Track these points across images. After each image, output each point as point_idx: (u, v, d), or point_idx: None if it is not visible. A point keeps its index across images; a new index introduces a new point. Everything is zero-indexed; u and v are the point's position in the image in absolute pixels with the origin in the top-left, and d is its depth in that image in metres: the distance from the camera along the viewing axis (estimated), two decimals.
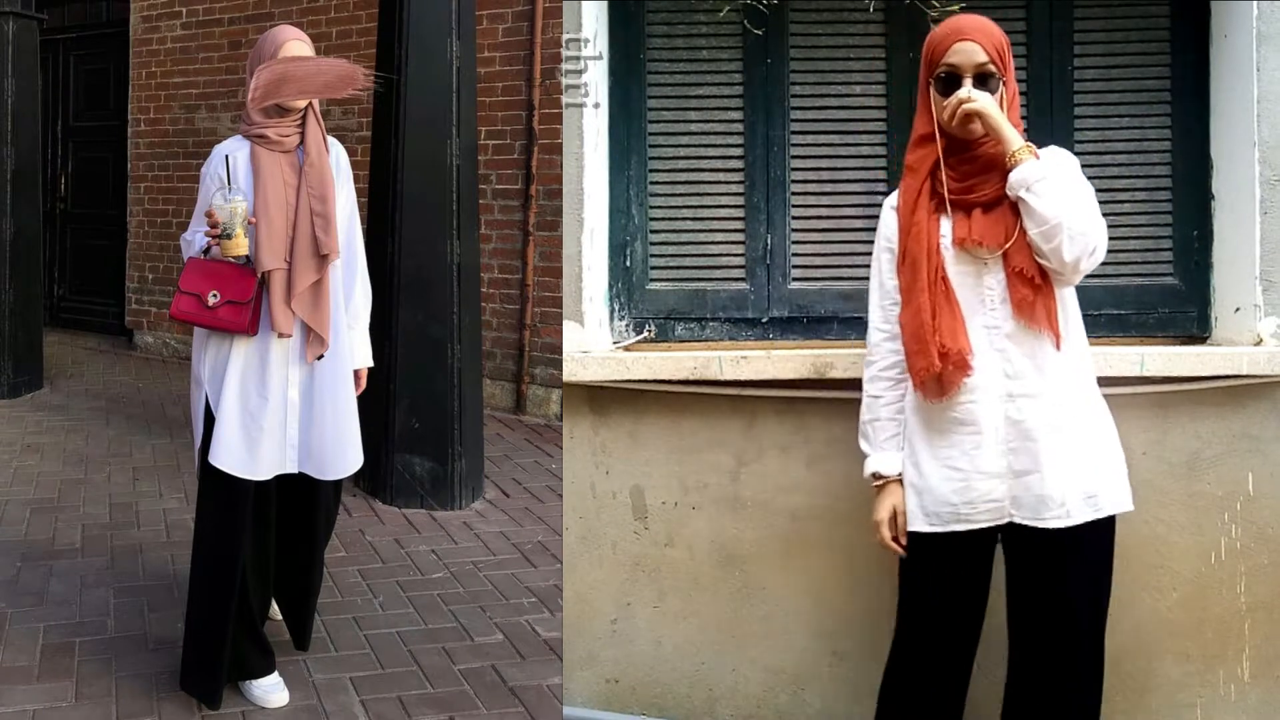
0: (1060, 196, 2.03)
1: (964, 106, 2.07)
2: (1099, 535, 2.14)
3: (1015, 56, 2.76)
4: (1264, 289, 2.57)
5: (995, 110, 2.07)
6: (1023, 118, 2.77)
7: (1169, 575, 2.57)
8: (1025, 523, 2.11)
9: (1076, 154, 2.75)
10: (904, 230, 2.18)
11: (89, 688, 2.64)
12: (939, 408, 2.14)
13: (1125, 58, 2.79)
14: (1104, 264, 2.76)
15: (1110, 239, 2.76)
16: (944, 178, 2.12)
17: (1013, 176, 2.06)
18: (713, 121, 2.86)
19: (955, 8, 2.66)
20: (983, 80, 2.09)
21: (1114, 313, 2.79)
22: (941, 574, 2.19)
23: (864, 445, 2.30)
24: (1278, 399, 2.55)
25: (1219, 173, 2.72)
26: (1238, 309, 2.65)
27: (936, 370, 2.08)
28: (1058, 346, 2.09)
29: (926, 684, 2.21)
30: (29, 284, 5.79)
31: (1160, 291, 2.79)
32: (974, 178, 2.12)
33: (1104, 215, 2.75)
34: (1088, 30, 2.79)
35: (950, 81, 2.11)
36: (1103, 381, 2.51)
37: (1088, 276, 2.76)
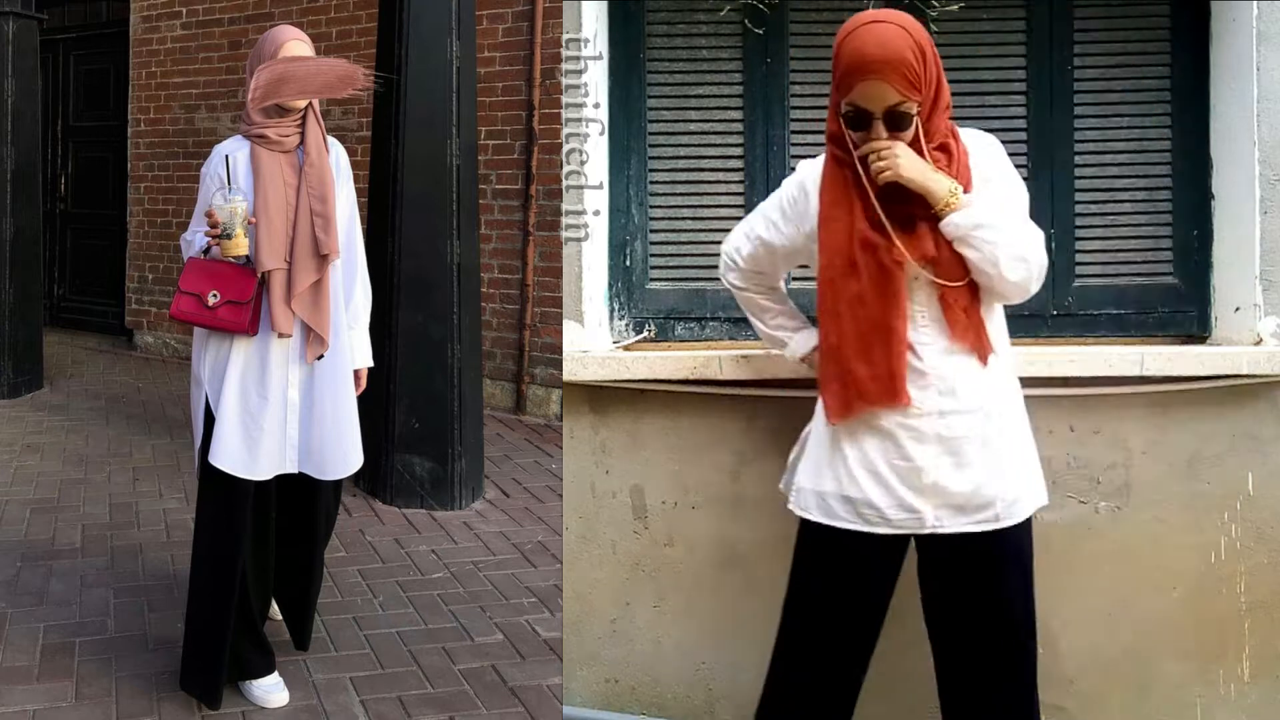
0: (997, 241, 1.95)
1: (880, 177, 1.95)
2: (1021, 535, 2.10)
3: (1014, 57, 2.79)
4: (1264, 289, 2.58)
5: (913, 170, 1.94)
6: (1022, 117, 2.78)
7: (1169, 575, 2.57)
8: (948, 531, 2.07)
9: (1076, 154, 2.79)
10: (827, 222, 2.07)
11: (89, 688, 2.64)
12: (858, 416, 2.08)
13: (1125, 58, 2.79)
14: (1104, 264, 2.80)
15: (1110, 239, 2.80)
16: (870, 194, 2.00)
17: (944, 227, 1.97)
18: (713, 121, 2.86)
19: (954, 7, 2.67)
20: (895, 119, 1.94)
21: (1114, 312, 2.79)
22: (842, 571, 2.13)
23: (777, 334, 2.36)
24: (1278, 399, 2.55)
25: (1219, 172, 2.72)
26: (1238, 309, 2.65)
27: (852, 412, 2.05)
28: (984, 363, 2.05)
29: (813, 684, 2.17)
30: (29, 284, 5.79)
31: (1160, 291, 2.79)
32: (906, 198, 1.99)
33: (1104, 215, 2.79)
34: (1088, 30, 2.79)
35: (859, 120, 1.96)
36: (1103, 381, 2.53)
37: (1087, 276, 2.79)
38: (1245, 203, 2.60)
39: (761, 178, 2.83)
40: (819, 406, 2.18)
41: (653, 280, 2.88)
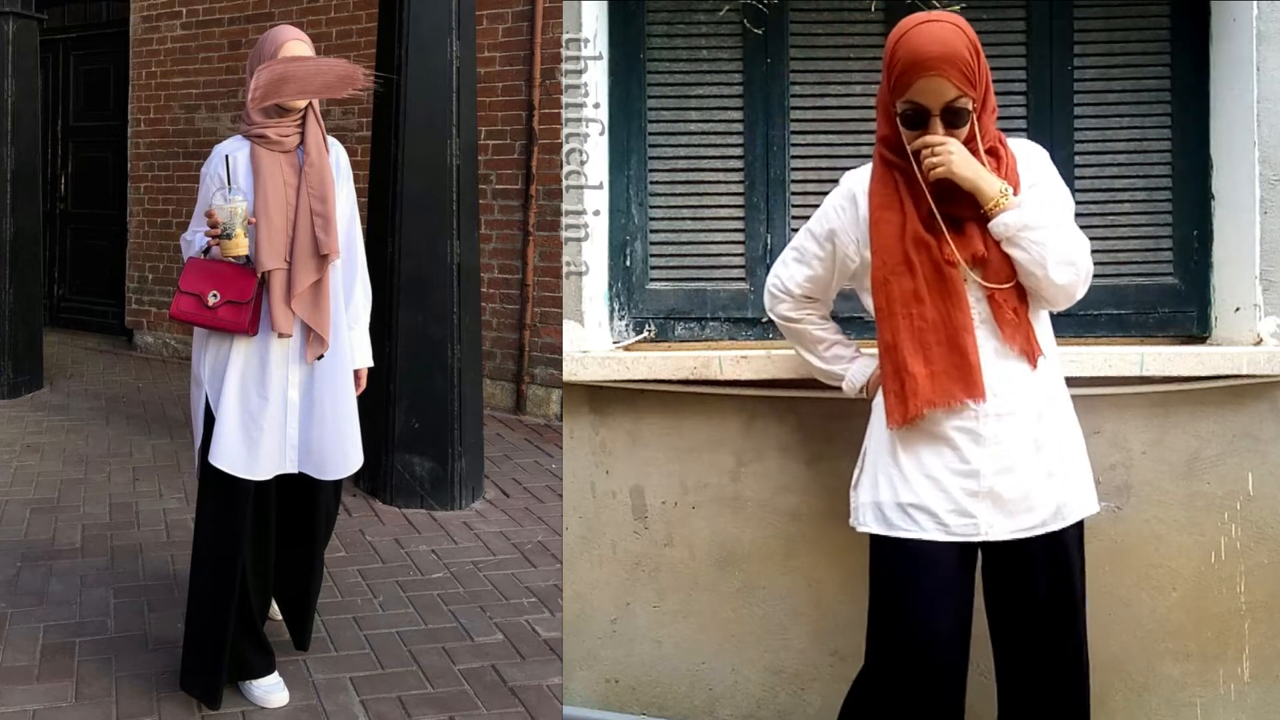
0: (1045, 243, 1.96)
1: (933, 173, 1.96)
2: (1069, 539, 2.10)
3: (1014, 57, 2.79)
4: (1264, 288, 2.57)
5: (966, 167, 1.95)
6: (1022, 117, 2.78)
7: (1169, 575, 2.57)
8: (1001, 538, 2.06)
9: (1076, 154, 2.79)
10: (877, 224, 2.06)
11: (89, 688, 2.64)
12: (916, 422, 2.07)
13: (1125, 57, 2.79)
14: (1104, 264, 2.79)
15: (1110, 239, 2.80)
16: (924, 191, 2.01)
17: (993, 227, 1.98)
18: (712, 121, 2.86)
19: (956, 8, 2.66)
20: (953, 115, 1.96)
21: (1114, 312, 2.79)
22: (911, 580, 2.10)
23: (834, 367, 2.32)
24: (1278, 399, 2.55)
25: (1219, 172, 2.72)
26: (1238, 309, 2.65)
27: (920, 414, 2.04)
28: (1034, 366, 2.05)
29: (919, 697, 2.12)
30: (29, 284, 5.79)
31: (1160, 291, 2.79)
32: (956, 198, 2.00)
33: (1104, 215, 2.79)
34: (1088, 30, 2.79)
35: (916, 119, 1.98)
36: (1103, 381, 2.52)
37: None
38: (1245, 202, 2.60)
39: (761, 178, 2.83)
40: (874, 419, 2.18)
41: (653, 280, 2.88)
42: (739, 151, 2.85)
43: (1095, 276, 2.76)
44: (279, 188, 2.44)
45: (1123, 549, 2.57)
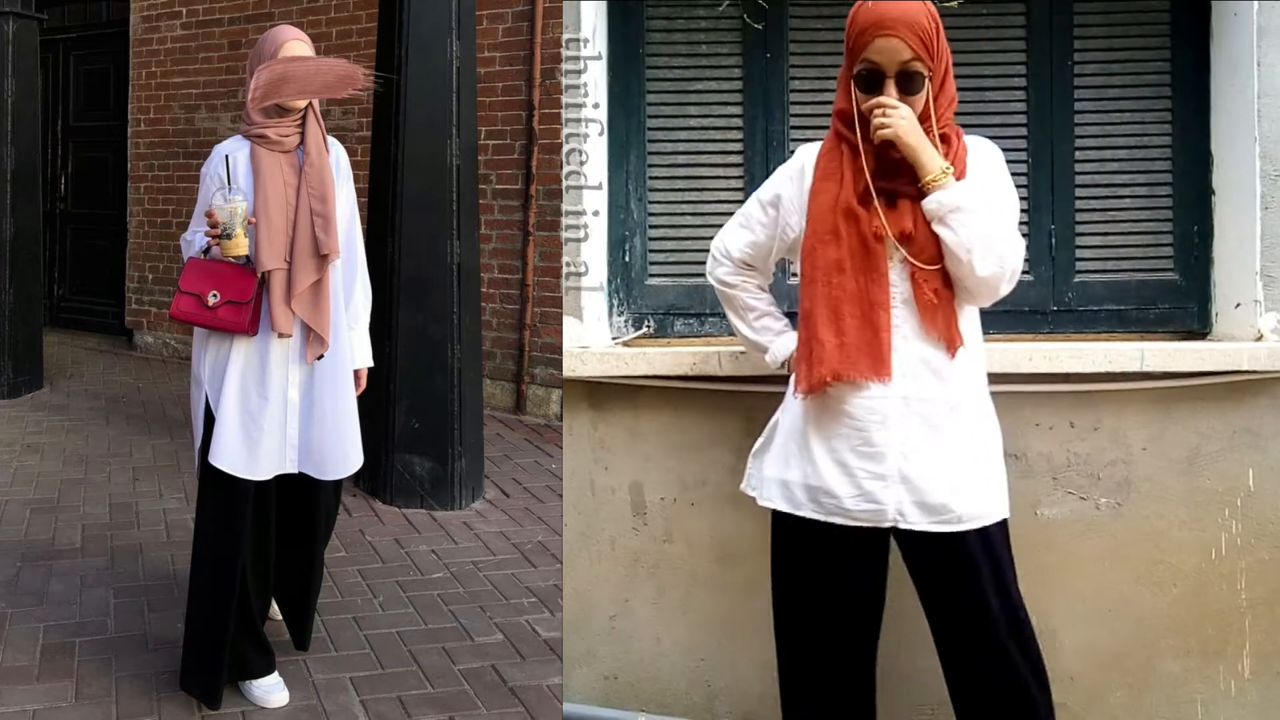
0: (974, 228, 1.95)
1: (879, 133, 1.97)
2: (989, 538, 2.07)
3: (1015, 53, 2.78)
4: (1264, 284, 2.57)
5: (911, 135, 1.96)
6: (1022, 113, 2.78)
7: (1169, 571, 2.57)
8: (911, 528, 2.06)
9: (1076, 149, 2.78)
10: (816, 195, 2.08)
11: (89, 688, 2.63)
12: (826, 398, 2.08)
13: (1125, 53, 2.78)
14: (1104, 259, 2.79)
15: (1110, 234, 2.80)
16: (864, 166, 2.02)
17: (927, 203, 1.98)
18: (712, 117, 2.86)
19: (954, 4, 2.66)
20: (907, 79, 1.98)
21: (1114, 308, 2.79)
22: (816, 562, 2.13)
23: (760, 338, 2.32)
24: (1278, 394, 2.54)
25: (1219, 168, 2.72)
26: (1238, 304, 2.65)
27: (824, 383, 2.04)
28: (952, 354, 2.04)
29: (823, 681, 2.17)
30: (29, 284, 5.79)
31: (1160, 287, 2.79)
32: (896, 174, 2.02)
33: (1104, 210, 2.79)
34: (1088, 25, 2.78)
35: (871, 80, 1.99)
36: (1103, 377, 2.52)
37: (1088, 271, 2.79)
38: (1246, 198, 2.60)
39: (761, 173, 2.82)
40: (787, 394, 2.19)
41: (652, 276, 2.87)
42: (739, 147, 2.85)
43: (1096, 272, 2.79)
44: (279, 188, 2.44)
45: (1123, 545, 2.57)
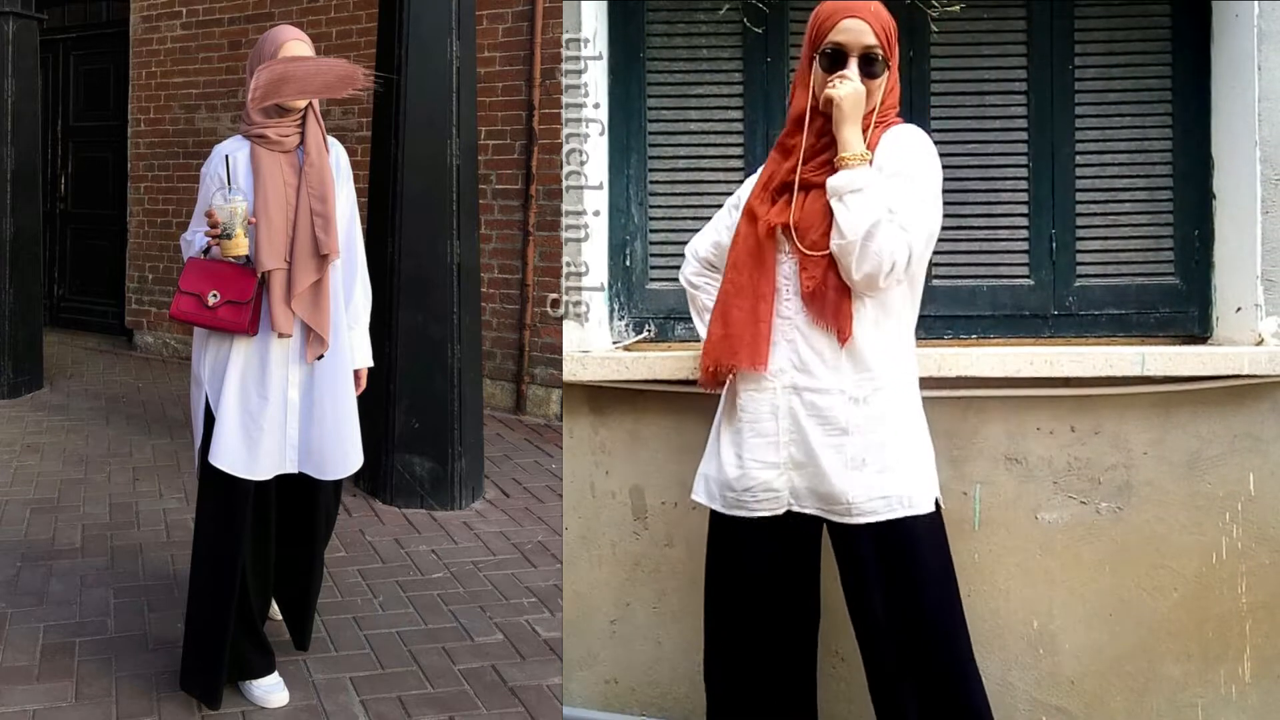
0: (865, 214, 1.97)
1: (826, 91, 2.02)
2: (884, 537, 2.06)
3: (1015, 56, 2.79)
4: (1265, 288, 2.57)
5: (851, 107, 2.01)
6: (1023, 117, 2.78)
7: (1170, 575, 2.57)
8: (813, 513, 2.09)
9: (1077, 153, 2.78)
10: (748, 203, 2.15)
11: (89, 688, 2.63)
12: (733, 393, 2.15)
13: (1126, 57, 2.78)
14: (1105, 263, 2.79)
15: (1111, 238, 2.79)
16: (802, 155, 2.07)
17: (831, 180, 2.02)
18: (712, 120, 2.86)
19: (956, 8, 2.66)
20: (869, 62, 2.05)
21: (1115, 312, 2.79)
22: (735, 555, 2.17)
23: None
24: (1279, 399, 2.54)
25: (1220, 172, 2.72)
26: (1239, 308, 2.65)
27: (709, 372, 2.14)
28: (841, 342, 2.04)
29: (746, 673, 2.19)
30: (29, 284, 5.79)
31: (1161, 291, 2.78)
32: (822, 164, 2.07)
33: (1105, 214, 2.79)
34: (1088, 29, 2.78)
35: (835, 59, 2.06)
36: (1104, 381, 2.52)
37: (1088, 275, 2.79)
38: (1246, 202, 2.60)
39: None
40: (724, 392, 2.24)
41: (653, 280, 2.87)
42: (739, 151, 2.85)
43: (1096, 276, 2.79)
44: (279, 188, 2.44)
45: (1124, 549, 2.57)
